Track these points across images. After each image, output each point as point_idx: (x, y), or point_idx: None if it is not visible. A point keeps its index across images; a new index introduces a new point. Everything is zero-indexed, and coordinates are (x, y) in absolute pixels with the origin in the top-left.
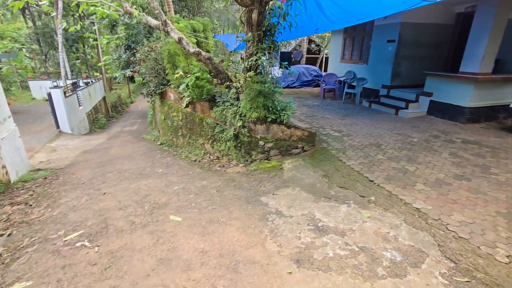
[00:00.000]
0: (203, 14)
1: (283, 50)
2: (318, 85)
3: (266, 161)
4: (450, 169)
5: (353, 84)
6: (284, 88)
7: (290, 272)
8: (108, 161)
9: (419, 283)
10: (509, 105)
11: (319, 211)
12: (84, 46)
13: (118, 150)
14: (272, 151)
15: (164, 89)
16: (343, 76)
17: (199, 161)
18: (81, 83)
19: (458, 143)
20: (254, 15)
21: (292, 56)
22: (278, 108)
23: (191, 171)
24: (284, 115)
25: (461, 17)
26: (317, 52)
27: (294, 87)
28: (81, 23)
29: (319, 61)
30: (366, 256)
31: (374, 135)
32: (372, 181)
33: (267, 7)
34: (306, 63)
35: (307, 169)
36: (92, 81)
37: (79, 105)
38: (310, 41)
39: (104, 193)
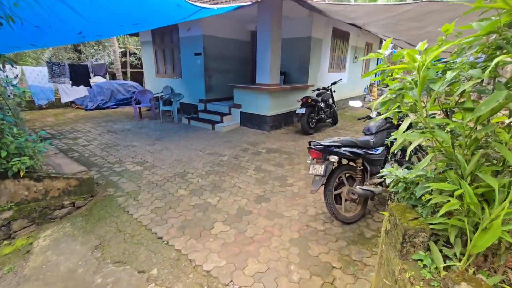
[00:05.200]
0: None
1: (84, 62)
2: (139, 102)
3: (6, 241)
4: (253, 189)
5: (171, 100)
6: (92, 110)
7: None
8: None
9: None
10: (295, 110)
11: None
12: None
13: None
14: (15, 223)
15: None
16: (161, 92)
17: None
18: None
19: (263, 153)
20: None
21: (91, 70)
22: (4, 154)
23: None
24: (17, 163)
25: (254, 35)
26: (139, 66)
27: (107, 107)
28: None
29: None
30: None
31: (183, 160)
32: (161, 238)
33: None
34: (131, 79)
35: (74, 241)
36: None
37: None
38: (131, 54)
39: None
